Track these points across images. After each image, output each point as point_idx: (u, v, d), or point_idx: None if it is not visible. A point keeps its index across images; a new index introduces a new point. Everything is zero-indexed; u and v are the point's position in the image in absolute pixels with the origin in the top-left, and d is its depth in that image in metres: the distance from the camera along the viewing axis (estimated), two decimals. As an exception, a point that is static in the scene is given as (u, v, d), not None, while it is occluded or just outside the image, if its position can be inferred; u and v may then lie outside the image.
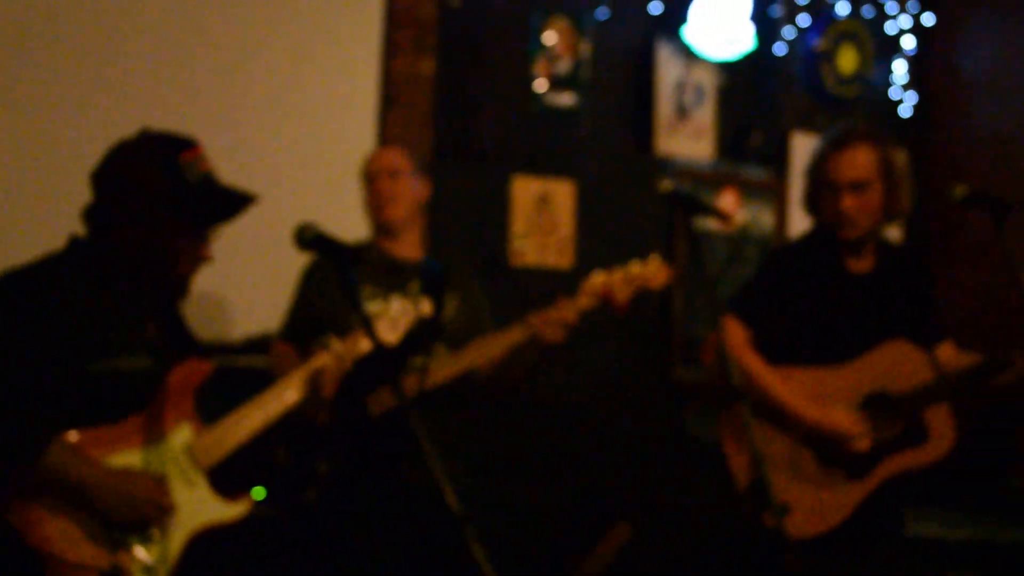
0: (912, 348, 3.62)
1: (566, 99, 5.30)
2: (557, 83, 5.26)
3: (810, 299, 3.67)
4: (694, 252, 3.19)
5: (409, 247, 3.88)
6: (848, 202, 3.59)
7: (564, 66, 5.28)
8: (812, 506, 3.53)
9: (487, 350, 3.61)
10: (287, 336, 3.80)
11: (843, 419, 3.55)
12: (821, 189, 3.65)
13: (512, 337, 3.58)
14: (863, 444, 3.55)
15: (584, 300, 3.58)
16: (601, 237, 5.45)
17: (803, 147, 6.10)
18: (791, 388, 3.58)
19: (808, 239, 3.80)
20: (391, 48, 4.89)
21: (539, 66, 5.22)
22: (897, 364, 3.59)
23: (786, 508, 2.96)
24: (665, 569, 5.36)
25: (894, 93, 6.46)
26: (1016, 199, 3.61)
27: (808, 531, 3.50)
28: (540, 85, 5.22)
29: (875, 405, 3.60)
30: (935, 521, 5.05)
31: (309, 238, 2.72)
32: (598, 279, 3.59)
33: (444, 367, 3.59)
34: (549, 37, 5.23)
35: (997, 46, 6.44)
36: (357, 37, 4.85)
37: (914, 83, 6.49)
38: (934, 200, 6.31)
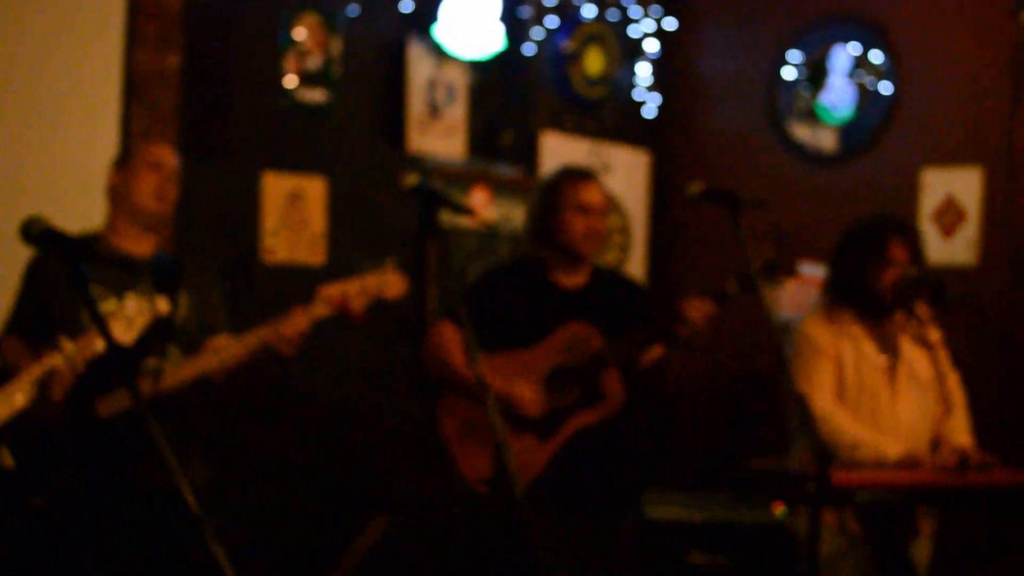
0: (587, 327, 4.04)
1: (317, 95, 5.29)
2: (308, 79, 5.25)
3: (521, 308, 4.12)
4: (442, 249, 3.34)
5: (144, 243, 3.80)
6: (599, 224, 4.14)
7: (315, 62, 5.27)
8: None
9: (221, 356, 3.58)
10: (13, 331, 3.69)
11: (521, 389, 3.99)
12: (566, 211, 4.11)
13: (247, 344, 3.57)
14: (533, 409, 4.00)
15: (318, 309, 3.60)
16: (353, 234, 5.47)
17: (552, 146, 6.24)
18: (487, 368, 3.85)
19: (524, 260, 4.28)
20: (135, 41, 4.79)
21: (289, 62, 5.20)
22: (575, 340, 4.03)
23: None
24: (424, 561, 5.41)
25: (638, 95, 6.66)
26: (751, 195, 3.82)
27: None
28: (290, 81, 5.20)
29: (557, 378, 4.04)
30: (677, 504, 5.24)
31: (36, 233, 2.61)
32: (333, 289, 3.61)
33: (177, 371, 3.56)
34: (299, 33, 5.22)
35: (733, 51, 6.71)
36: (99, 29, 4.73)
37: (657, 85, 6.70)
38: (675, 196, 6.59)
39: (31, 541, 3.55)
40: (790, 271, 4.06)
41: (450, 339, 4.09)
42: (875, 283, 4.21)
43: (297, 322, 3.56)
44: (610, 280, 4.33)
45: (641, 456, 4.21)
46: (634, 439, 4.21)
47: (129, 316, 3.17)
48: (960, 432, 4.25)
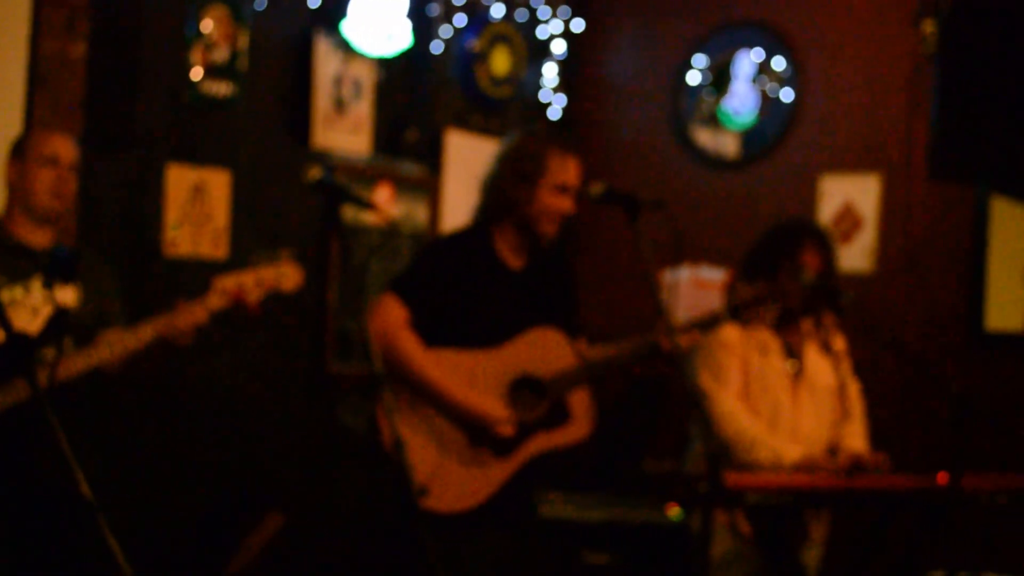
0: (557, 334, 3.85)
1: (223, 88, 5.26)
2: (213, 72, 5.21)
3: (467, 287, 3.84)
4: (343, 243, 3.26)
5: (41, 234, 3.75)
6: (571, 206, 3.84)
7: (221, 55, 5.24)
8: (462, 482, 3.72)
9: (115, 348, 3.52)
10: None
11: (490, 404, 3.74)
12: (544, 186, 3.81)
13: (141, 336, 3.52)
14: (507, 430, 3.74)
15: (214, 300, 3.54)
16: (256, 228, 5.44)
17: (457, 144, 6.26)
18: (443, 370, 3.73)
19: (468, 232, 3.96)
20: (40, 28, 4.72)
21: (196, 54, 5.16)
22: (543, 349, 3.81)
23: (424, 490, 3.09)
24: (320, 558, 5.41)
25: (544, 95, 6.70)
26: (652, 197, 3.86)
27: (457, 506, 3.70)
28: (196, 73, 5.16)
29: (521, 388, 3.81)
30: (571, 504, 5.29)
31: None
32: (228, 280, 3.56)
33: (70, 363, 3.48)
34: (206, 25, 5.17)
35: (640, 54, 6.78)
36: (5, 15, 4.66)
37: (563, 86, 6.75)
38: (577, 198, 6.63)
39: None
40: (758, 314, 3.99)
41: (398, 322, 3.73)
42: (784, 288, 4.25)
43: (193, 314, 3.52)
44: (548, 259, 4.01)
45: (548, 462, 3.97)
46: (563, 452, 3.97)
47: (34, 306, 3.14)
48: (855, 438, 4.33)
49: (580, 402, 3.84)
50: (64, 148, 3.77)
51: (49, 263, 3.58)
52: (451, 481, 3.71)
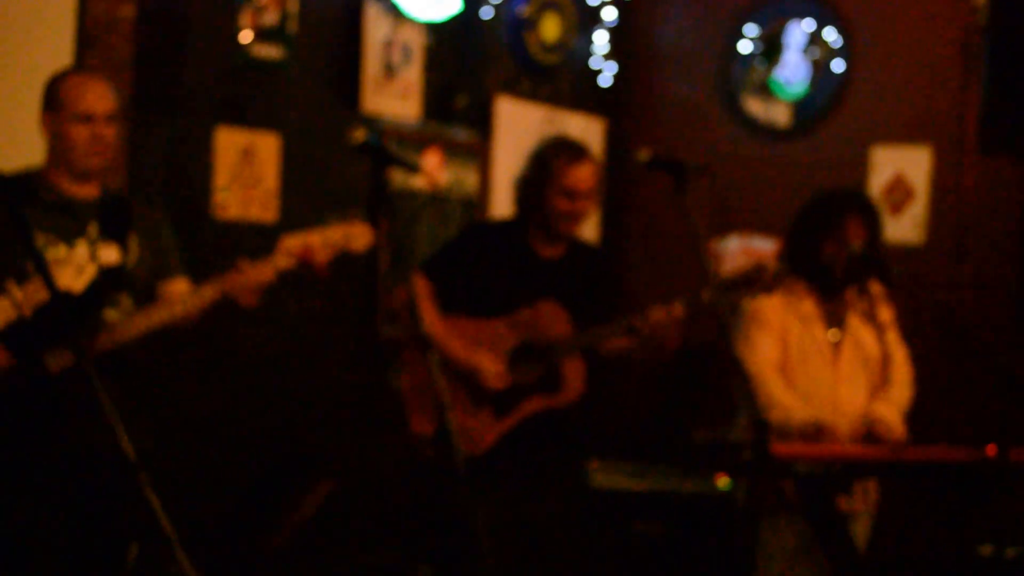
0: (559, 308, 4.09)
1: (272, 52, 5.26)
2: (263, 35, 5.21)
3: (497, 271, 4.14)
4: (388, 207, 3.29)
5: (87, 186, 3.58)
6: (583, 207, 4.13)
7: (271, 18, 5.23)
8: (466, 431, 4.02)
9: (176, 308, 3.42)
10: None
11: (485, 360, 4.04)
12: (552, 190, 4.10)
13: (205, 296, 3.42)
14: (497, 382, 4.04)
15: (281, 260, 3.43)
16: (306, 191, 5.45)
17: (507, 111, 6.24)
18: (451, 332, 4.06)
19: (509, 222, 4.30)
20: (89, -10, 4.75)
21: (245, 17, 5.16)
22: (545, 320, 4.07)
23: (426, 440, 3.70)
24: (369, 525, 5.43)
25: (595, 63, 6.66)
26: (704, 163, 3.86)
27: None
28: (246, 36, 5.16)
29: (521, 352, 4.09)
30: (620, 473, 5.28)
31: None
32: (296, 240, 3.44)
33: (131, 323, 3.41)
34: (256, -12, 5.19)
35: (691, 22, 6.73)
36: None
37: (614, 54, 6.71)
38: (629, 165, 6.61)
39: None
40: (767, 287, 4.01)
41: (422, 293, 4.09)
42: (828, 258, 4.24)
43: (259, 273, 3.42)
44: (586, 253, 4.33)
45: (581, 429, 4.28)
46: (578, 417, 4.25)
47: (80, 264, 3.10)
48: (885, 404, 4.26)
49: (573, 370, 4.10)
50: (98, 101, 3.53)
51: (100, 215, 3.53)
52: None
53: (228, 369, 5.15)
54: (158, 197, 3.83)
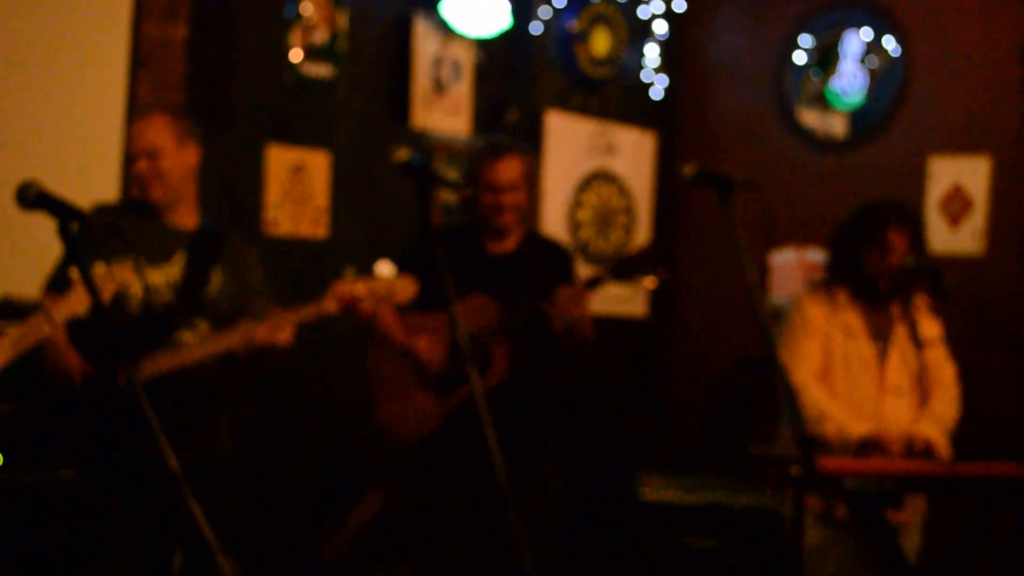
0: (484, 297, 4.24)
1: (322, 70, 5.30)
2: (313, 53, 5.25)
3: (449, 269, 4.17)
4: (429, 224, 3.61)
5: (182, 215, 3.78)
6: (509, 199, 4.28)
7: (320, 37, 5.28)
8: (407, 415, 4.29)
9: (194, 352, 3.60)
10: (51, 289, 3.65)
11: (422, 343, 4.26)
12: (479, 187, 4.30)
13: (223, 342, 3.61)
14: (431, 363, 4.24)
15: (329, 305, 3.68)
16: (356, 208, 5.48)
17: (557, 125, 6.24)
18: (400, 327, 4.29)
19: (463, 224, 4.54)
20: (143, 11, 4.80)
21: (295, 36, 5.21)
22: (474, 309, 4.22)
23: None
24: (419, 540, 5.43)
25: (646, 76, 6.65)
26: (751, 178, 3.82)
27: (405, 436, 4.30)
28: (296, 55, 5.21)
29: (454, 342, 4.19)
30: (672, 487, 5.25)
31: (31, 197, 2.65)
32: (345, 287, 3.68)
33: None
34: (306, 7, 5.22)
35: (743, 34, 6.69)
36: (107, 0, 4.76)
37: (665, 67, 6.69)
38: (678, 177, 6.57)
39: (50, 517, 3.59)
40: (662, 273, 4.13)
41: None
42: (871, 269, 4.21)
43: (305, 314, 3.66)
44: (537, 245, 4.48)
45: (545, 417, 4.36)
46: (533, 402, 4.32)
47: (111, 280, 3.21)
48: (929, 424, 4.20)
49: (498, 352, 4.24)
50: (153, 134, 3.71)
51: (193, 245, 3.73)
52: (409, 415, 4.29)
53: (280, 383, 5.17)
54: (243, 236, 3.96)
